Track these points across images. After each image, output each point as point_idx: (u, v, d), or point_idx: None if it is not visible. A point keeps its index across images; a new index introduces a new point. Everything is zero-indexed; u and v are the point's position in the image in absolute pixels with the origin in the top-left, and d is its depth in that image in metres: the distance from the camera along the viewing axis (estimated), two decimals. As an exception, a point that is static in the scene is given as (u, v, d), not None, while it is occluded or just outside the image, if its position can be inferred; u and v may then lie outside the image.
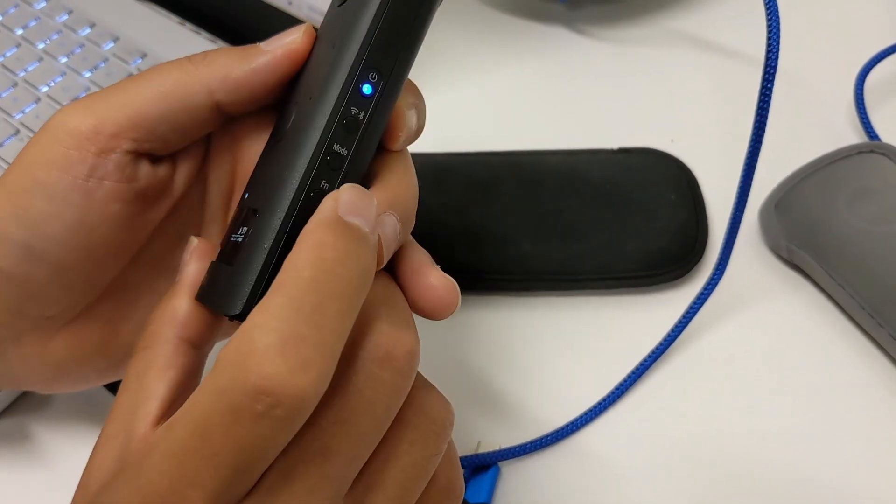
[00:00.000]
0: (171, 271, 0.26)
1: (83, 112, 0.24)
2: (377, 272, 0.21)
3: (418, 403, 0.22)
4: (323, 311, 0.19)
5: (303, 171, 0.22)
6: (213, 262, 0.23)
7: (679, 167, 0.41)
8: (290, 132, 0.23)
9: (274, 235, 0.21)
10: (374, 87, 0.22)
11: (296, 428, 0.19)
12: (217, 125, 0.26)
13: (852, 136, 0.43)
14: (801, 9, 0.49)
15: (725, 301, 0.37)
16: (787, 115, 0.44)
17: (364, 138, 0.23)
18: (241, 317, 0.21)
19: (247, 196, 0.24)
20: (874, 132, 0.42)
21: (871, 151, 0.39)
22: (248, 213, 0.22)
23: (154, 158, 0.25)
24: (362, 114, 0.22)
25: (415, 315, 0.23)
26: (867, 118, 0.43)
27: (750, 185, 0.32)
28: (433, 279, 0.23)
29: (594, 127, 0.45)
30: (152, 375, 0.22)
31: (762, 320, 0.37)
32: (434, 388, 0.24)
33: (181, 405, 0.21)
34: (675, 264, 0.37)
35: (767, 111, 0.30)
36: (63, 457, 0.34)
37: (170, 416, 0.20)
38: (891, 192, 0.37)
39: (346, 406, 0.20)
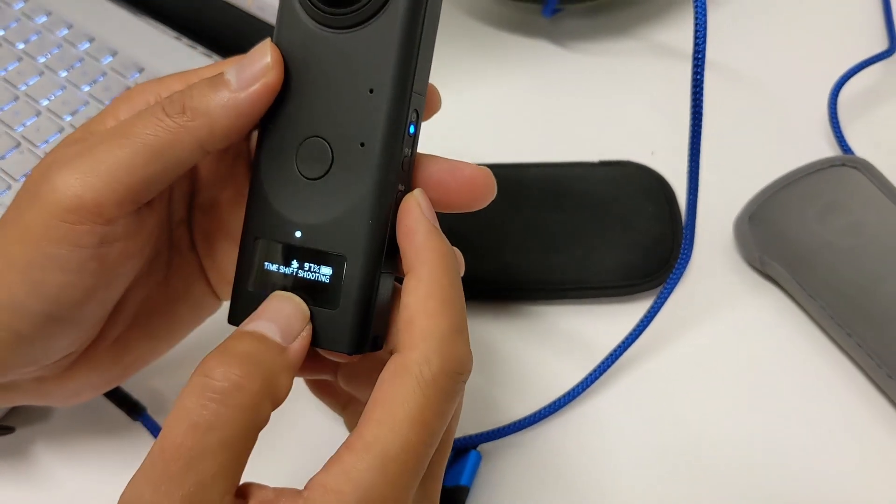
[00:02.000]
0: (153, 277, 0.28)
1: (79, 186, 0.23)
2: None
3: None
4: (459, 303, 0.24)
5: (383, 217, 0.24)
6: (259, 292, 0.25)
7: (657, 180, 0.42)
8: (339, 174, 0.24)
9: (373, 279, 0.24)
10: (416, 125, 0.25)
11: None
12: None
13: (827, 149, 0.45)
14: (777, 24, 0.51)
15: (701, 310, 0.39)
16: (762, 128, 0.46)
17: (411, 170, 0.26)
18: (361, 350, 0.24)
19: (299, 235, 0.25)
20: (847, 146, 0.44)
21: (843, 165, 0.40)
22: (320, 255, 0.24)
23: (150, 202, 0.26)
24: (409, 151, 0.25)
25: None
26: (840, 132, 0.44)
27: (696, 187, 0.33)
28: (468, 170, 0.26)
29: (577, 139, 0.46)
30: (243, 448, 0.21)
31: (736, 328, 0.39)
32: None
33: None
34: (652, 275, 0.39)
35: (701, 106, 0.31)
36: (62, 467, 0.35)
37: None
38: (860, 205, 0.38)
39: (452, 406, 0.23)
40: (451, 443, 0.27)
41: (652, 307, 0.36)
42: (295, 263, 0.25)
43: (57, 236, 0.23)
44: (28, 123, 0.43)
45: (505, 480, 0.35)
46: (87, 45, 0.46)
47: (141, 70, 0.45)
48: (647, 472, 0.35)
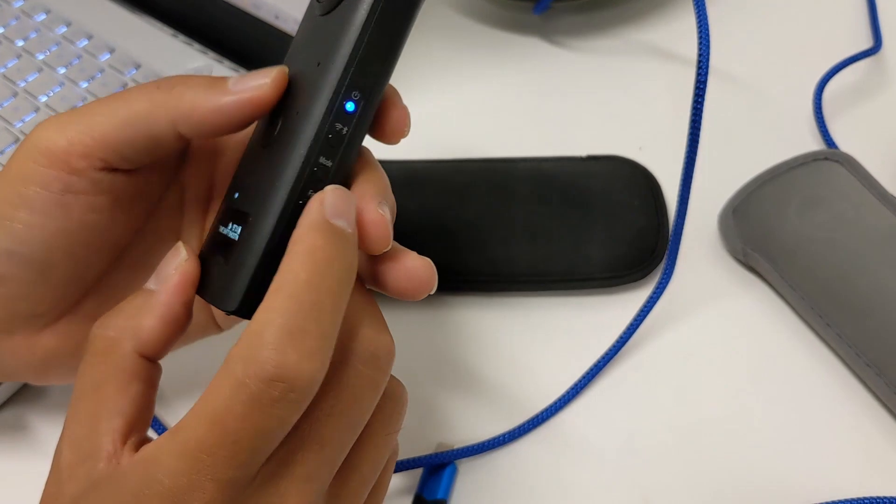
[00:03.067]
0: (147, 269, 0.28)
1: (55, 132, 0.25)
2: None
3: (385, 389, 0.25)
4: (320, 306, 0.22)
5: (292, 182, 0.24)
6: (205, 253, 0.26)
7: (644, 174, 0.43)
8: (277, 141, 0.25)
9: (266, 241, 0.24)
10: (357, 104, 0.25)
11: (303, 409, 0.22)
12: (181, 150, 0.28)
13: (812, 144, 0.45)
14: (763, 20, 0.51)
15: (686, 301, 0.39)
16: (749, 123, 0.46)
17: (346, 150, 0.25)
18: (237, 312, 0.24)
19: (236, 196, 0.26)
20: (832, 140, 0.44)
21: (826, 159, 0.41)
22: (239, 215, 0.25)
23: (126, 170, 0.27)
24: (345, 129, 0.25)
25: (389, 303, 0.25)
26: (825, 127, 0.45)
27: (689, 186, 0.33)
28: (411, 261, 0.25)
29: (567, 135, 0.47)
30: (113, 390, 0.23)
31: (720, 320, 0.39)
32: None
33: (147, 415, 0.24)
34: (636, 267, 0.39)
35: (701, 113, 0.31)
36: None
37: (133, 431, 0.23)
38: (840, 199, 0.39)
39: (339, 400, 0.23)
40: (387, 452, 0.26)
41: (634, 319, 0.37)
42: (229, 223, 0.25)
43: (28, 176, 0.25)
44: (27, 119, 0.44)
45: (483, 494, 0.35)
46: (85, 43, 0.47)
47: (138, 67, 0.46)
48: (632, 477, 0.35)
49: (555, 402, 0.36)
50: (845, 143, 0.44)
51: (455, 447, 0.35)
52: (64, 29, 0.48)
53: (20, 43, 0.48)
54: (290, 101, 0.25)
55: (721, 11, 0.52)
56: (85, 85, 0.45)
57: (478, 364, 0.38)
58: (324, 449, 0.22)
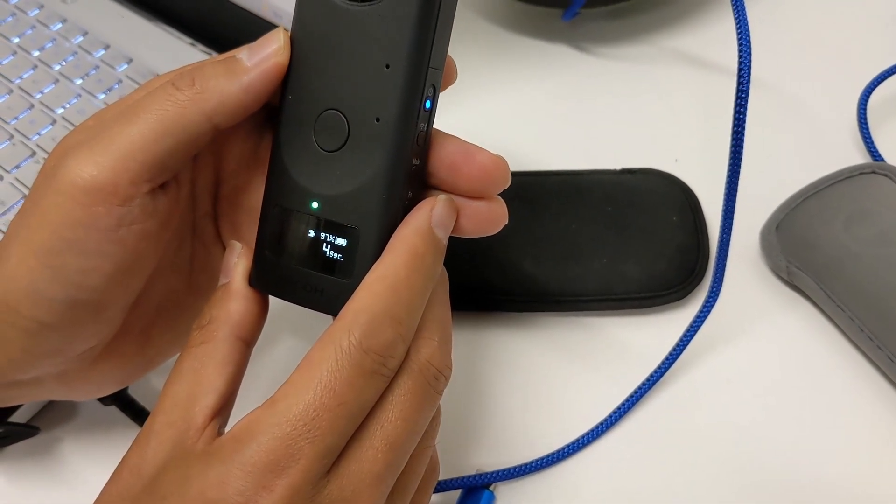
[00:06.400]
0: (177, 268, 0.28)
1: (90, 165, 0.23)
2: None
3: None
4: (412, 304, 0.24)
5: (397, 191, 0.24)
6: (298, 268, 0.25)
7: (682, 189, 0.41)
8: (355, 148, 0.24)
9: (377, 249, 0.25)
10: (432, 100, 0.25)
11: (381, 391, 0.23)
12: (212, 140, 0.27)
13: (857, 156, 0.43)
14: (803, 31, 0.50)
15: (727, 322, 0.38)
16: (791, 136, 0.45)
17: (427, 144, 0.26)
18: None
19: (316, 206, 0.25)
20: (878, 152, 0.43)
21: (873, 172, 0.39)
22: (337, 227, 0.25)
23: (165, 188, 0.26)
24: (425, 126, 0.25)
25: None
26: (870, 138, 0.43)
27: (734, 203, 0.32)
28: (481, 157, 0.26)
29: (598, 146, 0.45)
30: (211, 370, 0.24)
31: (763, 341, 0.38)
32: None
33: (233, 399, 0.25)
34: (676, 286, 0.38)
35: (744, 125, 0.30)
36: (88, 466, 0.35)
37: (223, 410, 0.24)
38: (889, 213, 0.37)
39: (408, 406, 0.24)
40: (426, 461, 0.26)
41: (679, 342, 0.35)
42: (311, 233, 0.25)
43: (74, 220, 0.23)
44: (43, 132, 0.43)
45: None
46: (102, 53, 0.46)
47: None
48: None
49: (596, 427, 0.35)
50: (892, 156, 0.42)
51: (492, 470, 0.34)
52: (80, 39, 0.47)
53: (35, 53, 0.46)
54: (348, 101, 0.24)
55: (758, 17, 0.50)
56: (102, 96, 0.44)
57: (511, 384, 0.37)
58: (393, 451, 0.23)
